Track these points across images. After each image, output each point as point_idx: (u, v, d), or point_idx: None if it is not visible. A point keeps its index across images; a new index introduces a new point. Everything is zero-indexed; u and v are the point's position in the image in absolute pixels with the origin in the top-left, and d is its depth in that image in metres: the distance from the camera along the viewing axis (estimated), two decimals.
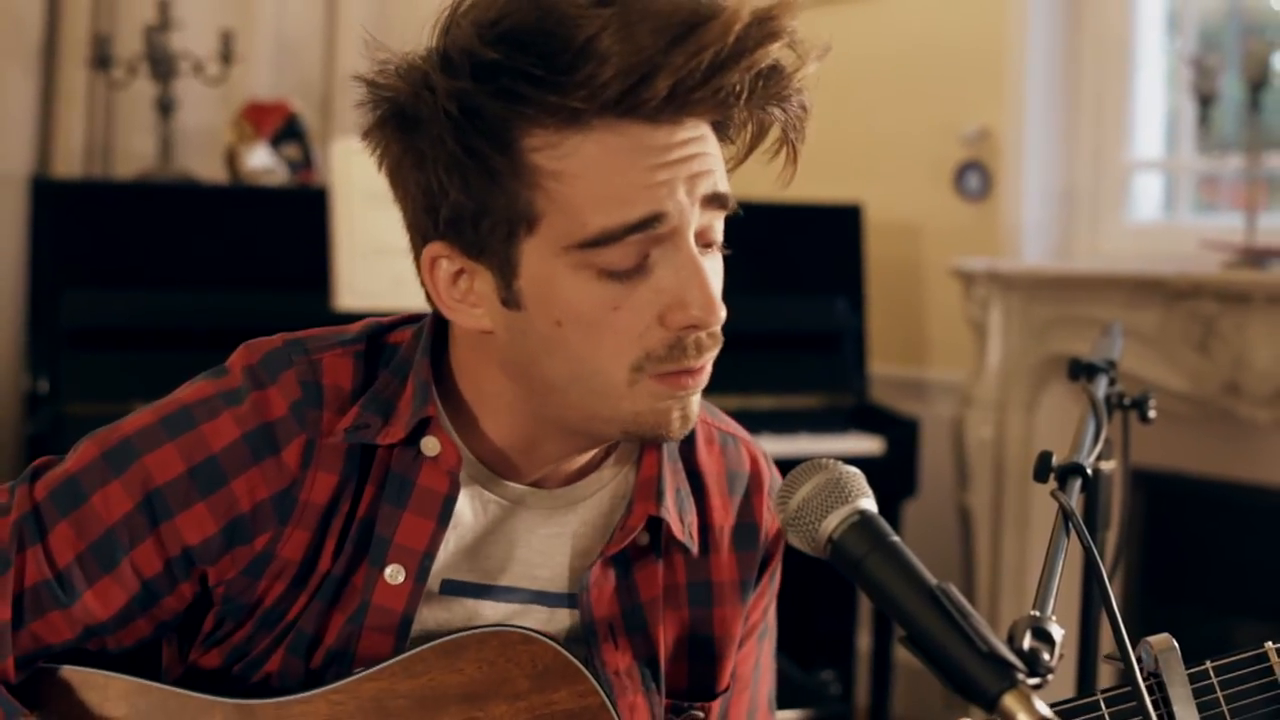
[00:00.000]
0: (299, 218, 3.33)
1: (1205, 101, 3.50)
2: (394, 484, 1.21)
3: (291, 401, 1.19)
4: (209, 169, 3.91)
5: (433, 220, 1.14)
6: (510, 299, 1.14)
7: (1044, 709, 0.99)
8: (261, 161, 3.72)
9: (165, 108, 3.77)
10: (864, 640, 3.72)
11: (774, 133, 1.16)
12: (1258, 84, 3.41)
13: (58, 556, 1.18)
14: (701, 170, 1.13)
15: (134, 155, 3.95)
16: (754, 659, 1.41)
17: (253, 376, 1.20)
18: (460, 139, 1.10)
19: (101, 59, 3.81)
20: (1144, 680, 1.17)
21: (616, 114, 1.09)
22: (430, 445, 1.21)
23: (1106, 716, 1.18)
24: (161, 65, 3.75)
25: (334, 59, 4.24)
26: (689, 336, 1.14)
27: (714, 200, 1.14)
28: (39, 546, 1.18)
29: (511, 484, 1.25)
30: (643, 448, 1.28)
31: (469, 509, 1.24)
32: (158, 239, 3.34)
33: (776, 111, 1.15)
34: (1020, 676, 1.00)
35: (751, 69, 1.09)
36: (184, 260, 3.32)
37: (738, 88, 1.09)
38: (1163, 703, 1.18)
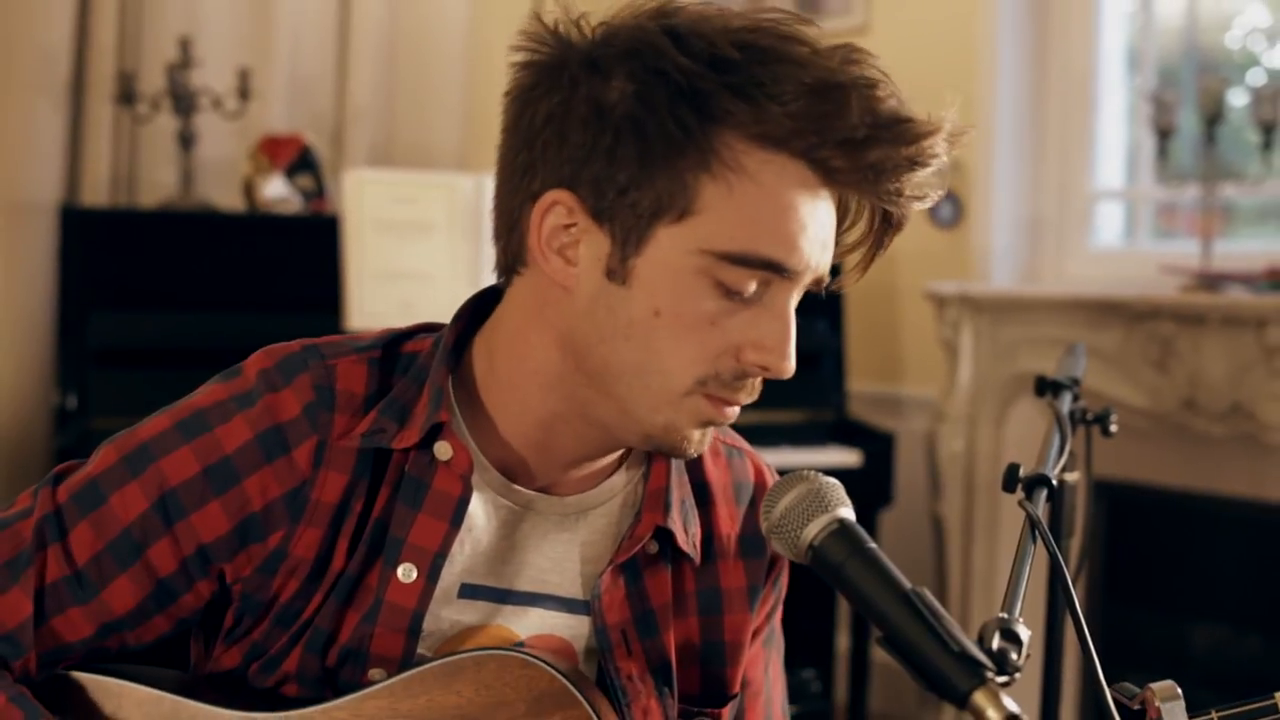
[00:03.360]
0: (312, 244, 3.33)
1: (1164, 135, 3.51)
2: (409, 486, 1.18)
3: (304, 404, 1.17)
4: (227, 198, 3.91)
5: (574, 170, 1.10)
6: (618, 272, 1.11)
7: (1012, 705, 0.99)
8: (277, 191, 3.72)
9: (186, 141, 3.77)
10: (843, 641, 3.72)
11: (858, 234, 1.18)
12: (1213, 118, 3.42)
13: (77, 555, 1.16)
14: (829, 248, 1.15)
15: (157, 185, 3.95)
16: (763, 663, 1.37)
17: (267, 379, 1.18)
18: (671, 110, 1.08)
19: (126, 95, 3.81)
20: None
21: (808, 160, 1.09)
22: (443, 450, 1.18)
23: None
24: (183, 101, 3.75)
25: (345, 94, 4.25)
26: (753, 374, 1.14)
27: (821, 277, 1.15)
28: (59, 545, 1.16)
29: (524, 490, 1.22)
30: (651, 460, 1.26)
31: (482, 514, 1.21)
32: (180, 264, 3.34)
33: (894, 224, 1.16)
34: (989, 675, 0.99)
35: (919, 180, 1.11)
36: (204, 284, 3.32)
37: (904, 190, 1.11)
38: None
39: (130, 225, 3.46)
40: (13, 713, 1.12)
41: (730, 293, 1.11)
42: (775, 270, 1.11)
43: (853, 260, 1.20)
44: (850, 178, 1.10)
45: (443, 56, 4.35)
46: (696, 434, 1.16)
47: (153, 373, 3.05)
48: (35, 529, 1.17)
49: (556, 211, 1.12)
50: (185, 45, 3.74)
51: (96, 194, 3.87)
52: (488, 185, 3.53)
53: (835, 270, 1.18)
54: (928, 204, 1.15)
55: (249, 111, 3.89)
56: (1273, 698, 1.14)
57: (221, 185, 3.94)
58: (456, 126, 4.38)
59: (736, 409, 1.17)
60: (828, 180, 1.11)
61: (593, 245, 1.12)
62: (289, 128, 4.04)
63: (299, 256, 3.38)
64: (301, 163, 3.79)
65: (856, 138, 1.07)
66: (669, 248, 1.10)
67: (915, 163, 1.09)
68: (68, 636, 1.18)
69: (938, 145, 1.09)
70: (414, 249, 3.16)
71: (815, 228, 1.12)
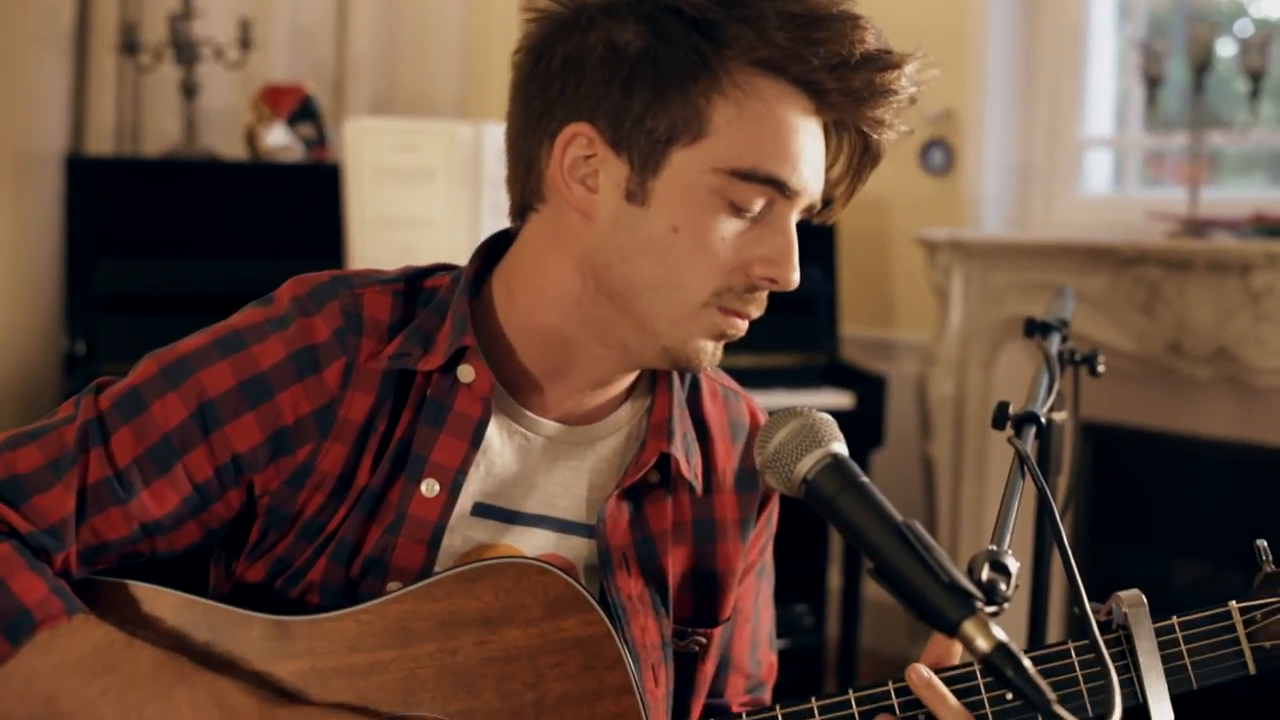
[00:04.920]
0: (314, 192, 3.33)
1: (1153, 83, 3.50)
2: (431, 408, 1.24)
3: (334, 328, 1.22)
4: (230, 147, 3.90)
5: (592, 105, 1.17)
6: (637, 194, 1.18)
7: (1000, 634, 1.00)
8: (279, 140, 3.70)
9: (189, 90, 3.75)
10: (834, 578, 3.74)
11: (840, 167, 1.25)
12: (1201, 67, 3.41)
13: (118, 457, 1.20)
14: (821, 176, 1.22)
15: (161, 135, 3.93)
16: (754, 595, 1.43)
17: (299, 305, 1.23)
18: (684, 38, 1.15)
19: (129, 45, 3.79)
20: (1114, 632, 1.18)
21: (803, 85, 1.17)
22: (466, 372, 1.23)
23: (1076, 664, 1.18)
24: (185, 51, 3.73)
25: (345, 44, 4.22)
26: (762, 288, 1.20)
27: (814, 204, 1.22)
28: (101, 448, 1.20)
29: (537, 418, 1.27)
30: (655, 394, 1.31)
31: (497, 438, 1.26)
32: (184, 212, 3.33)
33: (872, 153, 1.24)
34: (979, 604, 1.01)
35: (897, 107, 1.20)
36: (208, 232, 3.32)
37: (884, 117, 1.20)
38: (1129, 654, 1.18)
39: (135, 174, 3.46)
40: (54, 602, 1.15)
41: (739, 210, 1.18)
42: (778, 188, 1.18)
43: (836, 193, 1.26)
44: (838, 100, 1.18)
45: (442, 6, 4.32)
46: (710, 346, 1.22)
47: (159, 318, 3.04)
48: (79, 433, 1.20)
49: (578, 143, 1.19)
50: None
51: (101, 143, 3.86)
52: (487, 133, 3.52)
53: (825, 204, 1.25)
54: (901, 134, 1.23)
55: (250, 61, 3.87)
56: (1227, 606, 1.21)
57: (224, 134, 3.92)
58: (456, 75, 4.35)
59: (746, 322, 1.22)
60: (819, 106, 1.19)
61: (612, 172, 1.18)
62: (290, 77, 4.02)
63: (301, 204, 3.38)
64: (303, 112, 3.77)
65: (846, 62, 1.16)
66: (684, 169, 1.17)
67: (894, 90, 1.18)
68: (107, 535, 1.21)
69: (912, 76, 1.19)
70: (414, 196, 3.15)
71: (810, 152, 1.19)
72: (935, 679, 1.17)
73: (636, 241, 1.18)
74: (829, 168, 1.24)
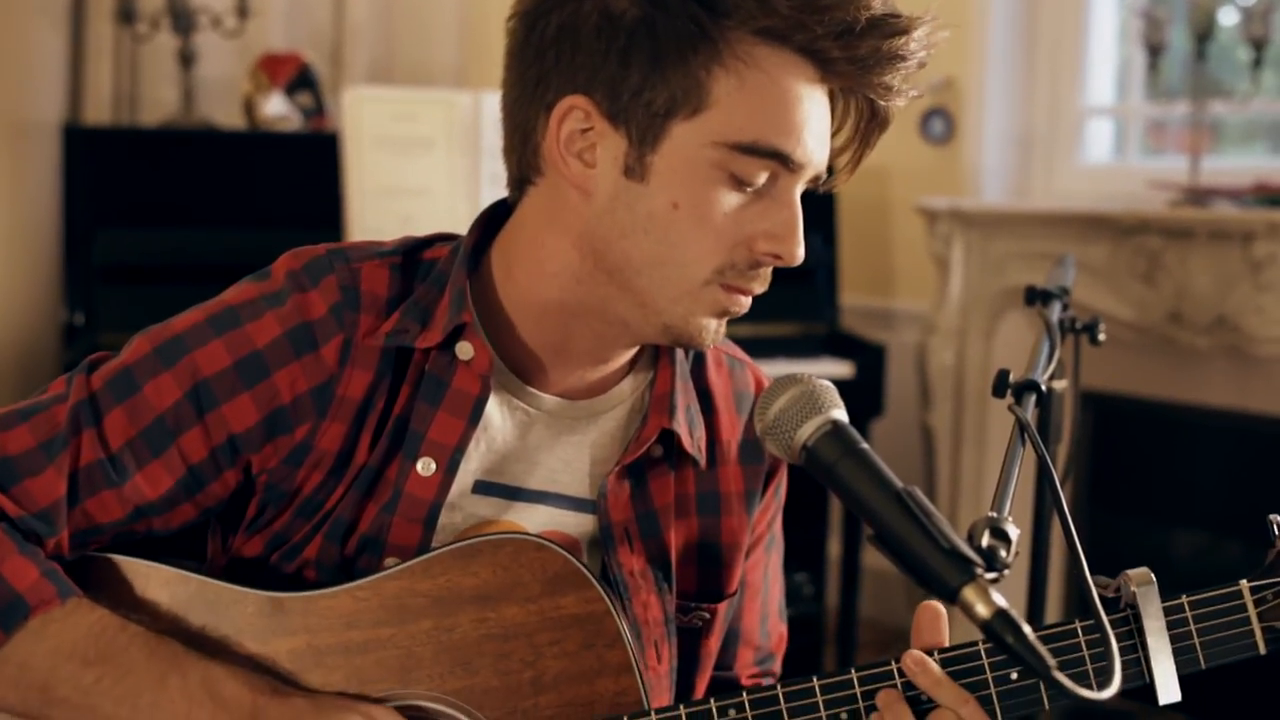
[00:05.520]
0: (312, 161, 3.31)
1: (1154, 51, 3.48)
2: (429, 385, 1.21)
3: (331, 304, 1.20)
4: (228, 116, 3.88)
5: (588, 76, 1.13)
6: (635, 169, 1.14)
7: (1000, 600, 1.00)
8: (277, 109, 3.69)
9: (186, 60, 3.73)
10: (834, 547, 3.75)
11: (846, 134, 1.21)
12: (1203, 35, 3.38)
13: (111, 439, 1.18)
14: (826, 145, 1.18)
15: (158, 104, 3.91)
16: (763, 567, 1.41)
17: (295, 280, 1.21)
18: (682, 7, 1.11)
19: (126, 14, 3.76)
20: (1121, 611, 1.15)
21: (808, 53, 1.13)
22: (464, 350, 1.21)
23: (1082, 643, 1.15)
24: (182, 20, 3.71)
25: (343, 12, 4.20)
26: (766, 264, 1.17)
27: (819, 174, 1.19)
28: (94, 430, 1.18)
29: (538, 393, 1.25)
30: (658, 367, 1.29)
31: (498, 414, 1.24)
32: (182, 182, 3.32)
33: (879, 120, 1.20)
34: (979, 571, 1.01)
35: (904, 73, 1.16)
36: (206, 201, 3.31)
37: (891, 83, 1.16)
38: (1137, 633, 1.14)
39: (133, 143, 3.44)
40: (46, 587, 1.14)
41: (742, 184, 1.14)
42: (782, 161, 1.14)
43: (843, 160, 1.23)
44: (844, 68, 1.14)
45: None
46: (713, 324, 1.20)
47: (158, 289, 3.04)
48: (70, 414, 1.18)
49: (574, 116, 1.15)
50: None
51: (99, 113, 3.84)
52: (486, 102, 3.50)
53: (829, 172, 1.22)
54: (909, 99, 1.19)
55: (248, 30, 3.84)
56: (1238, 585, 1.16)
57: (222, 103, 3.91)
58: (454, 44, 4.33)
59: (749, 299, 1.20)
60: (824, 73, 1.15)
61: (610, 146, 1.15)
62: (288, 46, 4.00)
63: (299, 173, 3.36)
64: (301, 81, 3.76)
65: (851, 29, 1.11)
66: (684, 143, 1.13)
67: (901, 55, 1.14)
68: (100, 518, 1.19)
69: (921, 40, 1.14)
70: (413, 165, 3.14)
71: (815, 122, 1.16)
72: (929, 661, 1.13)
73: (636, 218, 1.15)
74: (835, 134, 1.20)
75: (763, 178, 1.14)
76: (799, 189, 1.18)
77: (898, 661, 1.14)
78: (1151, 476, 3.60)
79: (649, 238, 1.15)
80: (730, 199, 1.14)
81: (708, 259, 1.15)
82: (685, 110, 1.12)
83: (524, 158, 1.20)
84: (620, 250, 1.16)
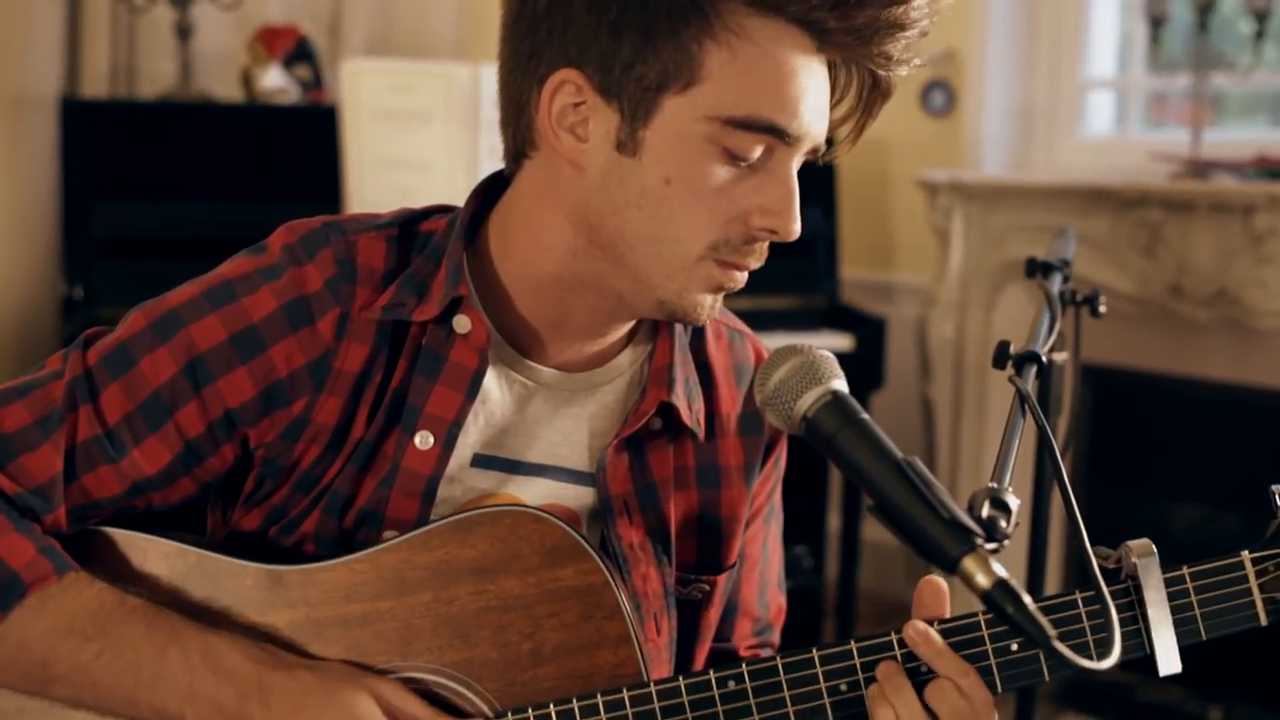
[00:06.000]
0: (311, 134, 3.30)
1: (1156, 23, 3.46)
2: (427, 358, 1.21)
3: (327, 278, 1.19)
4: (226, 89, 3.86)
5: (580, 49, 1.12)
6: (628, 144, 1.13)
7: (1000, 570, 1.00)
8: (275, 82, 3.67)
9: (184, 32, 3.71)
10: (834, 520, 3.76)
11: (849, 104, 1.19)
12: (1206, 7, 3.37)
13: (108, 415, 1.18)
14: (825, 117, 1.16)
15: (156, 77, 3.89)
16: (762, 539, 1.40)
17: (291, 254, 1.20)
18: None
19: None
20: (1121, 582, 1.14)
21: (803, 24, 1.11)
22: (461, 323, 1.20)
23: (1083, 614, 1.14)
24: None
25: None
26: (761, 239, 1.16)
27: (818, 147, 1.17)
28: (90, 406, 1.18)
29: (536, 366, 1.25)
30: (657, 339, 1.28)
31: (496, 388, 1.24)
32: (180, 155, 3.31)
33: (881, 89, 1.17)
34: (979, 541, 1.01)
35: (905, 42, 1.13)
36: (205, 175, 3.30)
37: (892, 52, 1.13)
38: (1138, 604, 1.13)
39: (131, 117, 3.42)
40: (42, 564, 1.14)
41: (736, 159, 1.12)
42: (777, 135, 1.12)
43: (844, 131, 1.21)
44: (842, 39, 1.12)
45: None
46: (708, 299, 1.18)
47: (156, 262, 3.03)
48: (66, 390, 1.18)
49: (566, 90, 1.13)
50: None
51: (96, 86, 3.82)
52: (485, 74, 3.49)
53: (829, 143, 1.20)
54: (913, 68, 1.16)
55: (245, 2, 3.82)
56: (1239, 555, 1.16)
57: (220, 76, 3.89)
58: (453, 16, 4.31)
59: (745, 274, 1.18)
60: (821, 44, 1.13)
61: (602, 121, 1.13)
62: (285, 18, 3.97)
63: (298, 146, 3.35)
64: (298, 53, 3.74)
65: (856, 3, 1.09)
66: (676, 117, 1.11)
67: (902, 24, 1.12)
68: (97, 494, 1.19)
69: (921, 8, 1.12)
70: (412, 138, 3.13)
71: (812, 94, 1.13)
72: (932, 632, 1.12)
73: (629, 194, 1.13)
74: (836, 104, 1.18)
75: (758, 152, 1.13)
76: (796, 163, 1.16)
77: (898, 633, 1.14)
78: (1151, 450, 3.60)
79: (642, 213, 1.13)
80: (724, 173, 1.12)
81: (701, 234, 1.14)
82: (677, 84, 1.10)
83: (518, 131, 1.19)
84: (614, 226, 1.15)
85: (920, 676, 1.13)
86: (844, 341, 3.38)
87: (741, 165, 1.13)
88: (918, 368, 3.94)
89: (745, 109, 1.10)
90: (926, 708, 1.11)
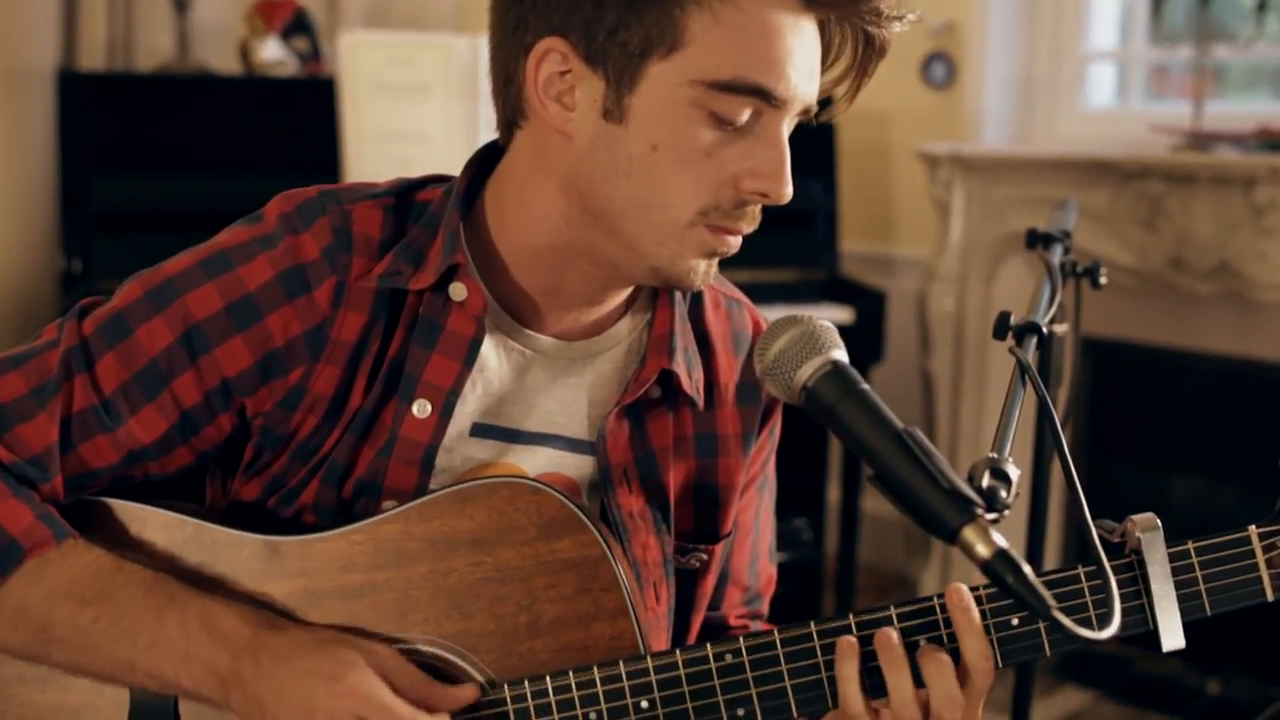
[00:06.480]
0: (309, 106, 3.28)
1: None
2: (423, 327, 1.20)
3: (323, 246, 1.18)
4: (224, 62, 3.85)
5: (564, 17, 1.11)
6: (614, 111, 1.12)
7: (1000, 540, 0.99)
8: (273, 54, 3.65)
9: (181, 5, 3.70)
10: (833, 492, 3.76)
11: (844, 64, 1.18)
12: None
13: (104, 384, 1.17)
14: (815, 77, 1.15)
15: (154, 49, 3.88)
16: (754, 508, 1.40)
17: (287, 222, 1.19)
18: None
19: None
20: (1125, 557, 1.13)
21: None
22: (458, 290, 1.20)
23: (1085, 589, 1.13)
24: None
25: None
26: (753, 203, 1.15)
27: (809, 107, 1.16)
28: (86, 375, 1.17)
29: (534, 334, 1.24)
30: (656, 308, 1.28)
31: (494, 356, 1.23)
32: (178, 127, 3.30)
33: (875, 47, 1.17)
34: (979, 511, 1.00)
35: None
36: (203, 147, 3.28)
37: (882, 8, 1.13)
38: (1141, 579, 1.12)
39: (128, 89, 3.41)
40: (40, 529, 1.14)
41: (723, 123, 1.11)
42: (764, 97, 1.11)
43: (841, 90, 1.20)
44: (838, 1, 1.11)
45: None
46: (702, 265, 1.17)
47: (155, 236, 3.01)
48: (62, 359, 1.17)
49: (551, 59, 1.13)
50: None
51: (94, 59, 3.81)
52: (483, 46, 3.47)
53: (827, 102, 1.19)
54: (906, 24, 1.16)
55: None
56: (1246, 530, 1.14)
57: (217, 49, 3.87)
58: None
59: (738, 239, 1.17)
60: (809, 3, 1.12)
61: (588, 89, 1.13)
62: None
63: (296, 119, 3.34)
64: (296, 25, 3.72)
65: None
66: (661, 82, 1.10)
67: None
68: (94, 463, 1.19)
69: None
70: (411, 110, 3.12)
71: (800, 55, 1.12)
72: (974, 608, 1.10)
73: (616, 161, 1.13)
74: (831, 64, 1.17)
75: (745, 115, 1.11)
76: (786, 126, 1.15)
77: (898, 607, 1.13)
78: (1151, 422, 3.60)
79: (630, 180, 1.13)
80: (711, 138, 1.11)
81: (691, 200, 1.13)
82: (661, 49, 1.10)
83: (508, 101, 1.19)
84: (603, 193, 1.14)
85: (916, 651, 1.12)
86: (844, 314, 3.38)
87: (729, 129, 1.12)
88: (918, 341, 3.94)
89: (730, 72, 1.10)
90: (921, 683, 1.10)
